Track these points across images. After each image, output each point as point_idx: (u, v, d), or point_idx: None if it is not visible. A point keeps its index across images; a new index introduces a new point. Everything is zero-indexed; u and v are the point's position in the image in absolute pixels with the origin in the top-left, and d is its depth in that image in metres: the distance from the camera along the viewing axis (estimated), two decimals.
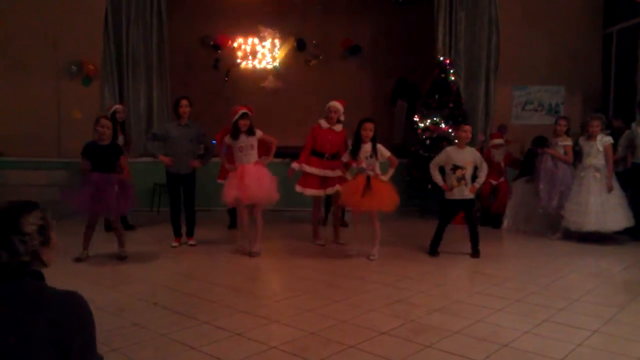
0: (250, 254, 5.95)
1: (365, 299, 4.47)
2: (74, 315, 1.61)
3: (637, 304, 4.37)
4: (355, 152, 5.72)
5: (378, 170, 5.76)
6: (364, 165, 5.70)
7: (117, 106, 7.54)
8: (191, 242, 6.45)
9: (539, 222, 7.35)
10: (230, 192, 5.84)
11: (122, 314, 3.99)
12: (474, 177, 6.02)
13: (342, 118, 6.48)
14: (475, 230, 6.03)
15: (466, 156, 5.95)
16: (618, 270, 5.60)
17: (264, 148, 6.15)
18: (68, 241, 6.01)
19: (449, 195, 5.98)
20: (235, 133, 5.88)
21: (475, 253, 6.00)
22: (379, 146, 5.77)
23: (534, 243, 6.84)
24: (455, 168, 5.91)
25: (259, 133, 5.96)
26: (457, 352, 3.32)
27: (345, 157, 5.88)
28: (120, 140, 7.20)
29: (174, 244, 6.40)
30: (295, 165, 6.31)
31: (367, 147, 5.71)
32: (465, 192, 5.92)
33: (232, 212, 7.26)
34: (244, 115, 5.87)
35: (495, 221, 7.91)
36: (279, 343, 3.50)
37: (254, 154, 5.93)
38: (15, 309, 1.55)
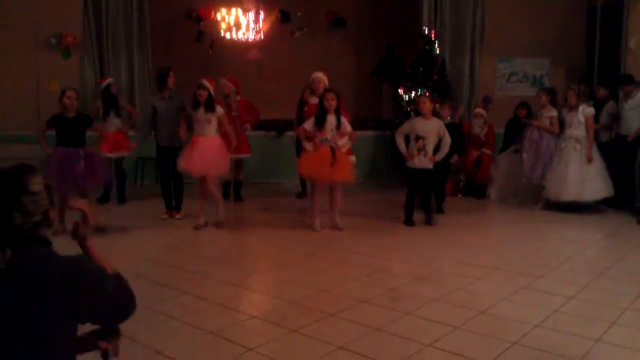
0: (216, 225, 5.94)
1: (346, 269, 4.52)
2: (78, 280, 1.60)
3: (613, 271, 4.45)
4: (320, 123, 5.68)
5: (340, 143, 5.76)
6: (328, 136, 5.68)
7: (111, 79, 7.41)
8: (178, 216, 6.42)
9: (524, 193, 7.42)
10: (183, 163, 5.84)
11: None
12: (437, 149, 6.05)
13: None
14: (427, 199, 6.10)
15: (429, 126, 5.99)
16: (597, 239, 5.69)
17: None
18: None
19: (410, 164, 6.05)
20: (195, 103, 5.82)
21: (430, 220, 6.04)
22: (343, 119, 5.75)
23: (515, 213, 6.90)
24: (417, 138, 5.97)
25: (219, 110, 5.89)
26: (435, 319, 3.37)
27: (308, 126, 5.77)
28: (112, 115, 7.10)
29: (164, 216, 6.38)
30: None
31: (332, 119, 5.67)
32: (425, 162, 5.97)
33: (224, 186, 7.26)
34: (199, 86, 5.78)
35: (479, 192, 7.97)
36: (260, 312, 3.54)
37: (211, 128, 5.85)
38: (28, 278, 1.54)
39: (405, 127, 6.17)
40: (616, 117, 7.12)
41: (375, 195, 7.32)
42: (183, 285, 4.01)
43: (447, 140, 6.02)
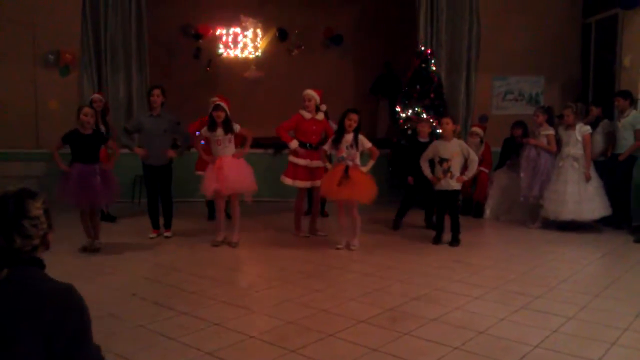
0: (231, 245, 5.95)
1: (345, 289, 4.49)
2: (66, 310, 1.61)
3: (612, 291, 4.44)
4: (337, 141, 5.71)
5: (358, 161, 5.76)
6: (344, 154, 5.70)
7: (94, 95, 7.44)
8: (167, 234, 6.39)
9: (521, 211, 7.43)
10: (210, 184, 5.80)
11: (100, 305, 3.93)
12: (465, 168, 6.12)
13: (322, 107, 6.45)
14: (456, 220, 6.09)
15: (452, 148, 6.03)
16: (595, 258, 5.68)
17: (239, 139, 6.11)
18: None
19: (438, 187, 6.09)
20: (212, 125, 5.83)
21: (454, 242, 6.06)
22: (361, 137, 5.75)
23: (513, 232, 6.90)
24: (442, 161, 5.99)
25: (237, 127, 5.92)
26: (434, 339, 3.35)
27: (327, 146, 5.86)
28: (102, 130, 7.10)
29: (152, 235, 6.35)
30: (293, 144, 6.25)
31: (348, 137, 5.70)
32: (452, 183, 6.01)
33: (211, 204, 7.20)
34: (217, 107, 5.80)
35: (476, 210, 7.97)
36: (258, 333, 3.50)
37: (231, 147, 5.91)
38: (12, 298, 1.58)
39: (429, 152, 6.19)
40: (612, 135, 7.16)
41: (373, 214, 7.30)
42: (180, 305, 3.98)
43: (474, 158, 6.07)
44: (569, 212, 6.66)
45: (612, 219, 6.85)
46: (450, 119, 6.22)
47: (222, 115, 5.80)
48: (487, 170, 8.03)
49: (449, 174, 5.99)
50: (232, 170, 5.78)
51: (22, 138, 8.55)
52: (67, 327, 1.61)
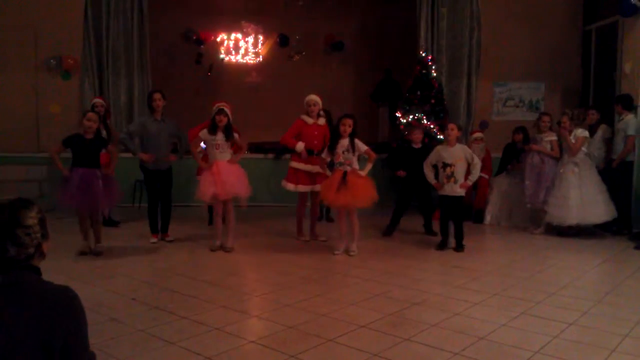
0: (225, 249, 5.95)
1: (345, 294, 4.49)
2: (61, 310, 1.64)
3: (613, 297, 4.44)
4: (332, 147, 5.72)
5: (356, 165, 5.75)
6: (341, 159, 5.70)
7: (96, 100, 7.45)
8: (168, 238, 6.40)
9: (521, 216, 7.43)
10: (208, 189, 5.78)
11: (100, 309, 3.96)
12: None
13: (322, 113, 6.47)
14: (460, 226, 6.08)
15: (455, 153, 6.02)
16: (595, 264, 5.67)
17: (234, 147, 6.10)
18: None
19: (441, 192, 6.08)
20: (214, 128, 5.84)
21: (459, 247, 6.04)
22: (357, 141, 5.74)
23: (514, 238, 6.90)
24: (445, 166, 5.99)
25: (236, 136, 5.95)
26: (434, 345, 3.34)
27: (325, 154, 5.86)
28: (104, 134, 7.12)
29: (153, 240, 6.35)
30: (299, 146, 6.24)
31: (344, 142, 5.69)
32: (456, 189, 6.00)
33: (212, 209, 7.21)
34: (220, 111, 5.79)
35: (477, 216, 7.97)
36: (258, 337, 3.50)
37: (228, 153, 5.92)
38: (8, 301, 1.60)
39: (432, 157, 6.17)
40: (610, 141, 7.19)
41: (372, 218, 7.30)
42: (180, 310, 3.98)
43: (477, 163, 6.06)
44: (573, 217, 6.63)
45: (612, 225, 6.84)
46: (456, 126, 6.22)
47: (225, 120, 5.80)
48: (487, 176, 8.04)
49: (452, 179, 5.98)
50: (228, 174, 5.78)
51: (23, 142, 8.57)
52: (64, 326, 1.62)
